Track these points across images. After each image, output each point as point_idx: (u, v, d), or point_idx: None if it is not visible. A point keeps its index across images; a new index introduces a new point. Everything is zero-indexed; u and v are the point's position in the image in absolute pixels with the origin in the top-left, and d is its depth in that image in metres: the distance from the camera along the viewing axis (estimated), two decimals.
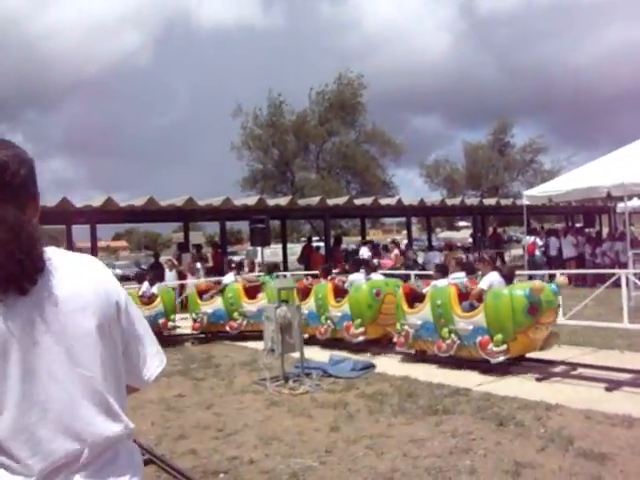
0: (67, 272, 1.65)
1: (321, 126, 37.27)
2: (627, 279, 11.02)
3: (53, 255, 1.65)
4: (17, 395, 1.51)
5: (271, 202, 23.13)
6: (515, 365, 8.97)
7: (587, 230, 25.31)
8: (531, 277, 18.34)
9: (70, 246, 24.19)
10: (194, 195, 20.27)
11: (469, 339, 8.74)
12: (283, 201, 23.36)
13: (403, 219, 37.26)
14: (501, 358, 8.38)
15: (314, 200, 23.74)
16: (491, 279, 8.95)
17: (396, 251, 21.40)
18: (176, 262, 19.63)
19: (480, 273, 9.92)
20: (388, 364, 9.74)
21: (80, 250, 30.83)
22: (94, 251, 19.96)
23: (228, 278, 13.88)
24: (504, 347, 8.35)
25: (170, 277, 18.67)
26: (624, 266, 15.88)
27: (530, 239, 21.62)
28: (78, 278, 1.66)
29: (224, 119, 44.92)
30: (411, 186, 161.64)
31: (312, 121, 37.68)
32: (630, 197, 18.15)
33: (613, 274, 11.55)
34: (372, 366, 9.48)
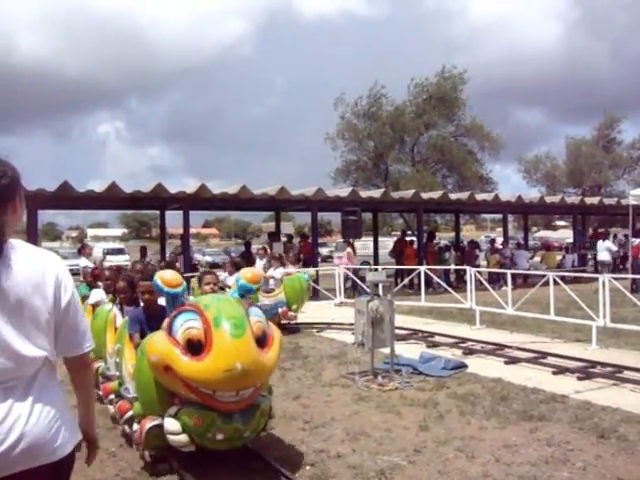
0: (24, 257, 2.31)
1: (418, 118, 36.72)
2: None
3: (18, 246, 2.32)
4: None
5: (364, 194, 22.97)
6: (618, 375, 8.54)
7: None
8: (635, 282, 17.62)
9: (162, 231, 24.87)
10: (286, 185, 20.39)
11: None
12: (376, 193, 23.14)
13: (499, 216, 36.44)
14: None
15: (408, 193, 23.43)
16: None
17: (349, 249, 19.85)
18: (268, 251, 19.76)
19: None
20: (480, 365, 9.45)
21: (172, 236, 31.49)
22: (186, 237, 20.36)
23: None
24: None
25: (260, 266, 18.80)
26: None
27: (636, 241, 20.60)
28: (33, 263, 2.31)
29: (321, 109, 45.04)
30: (508, 182, 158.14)
31: (409, 113, 37.18)
32: None
33: None
34: (464, 366, 9.22)
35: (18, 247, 2.32)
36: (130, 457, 5.74)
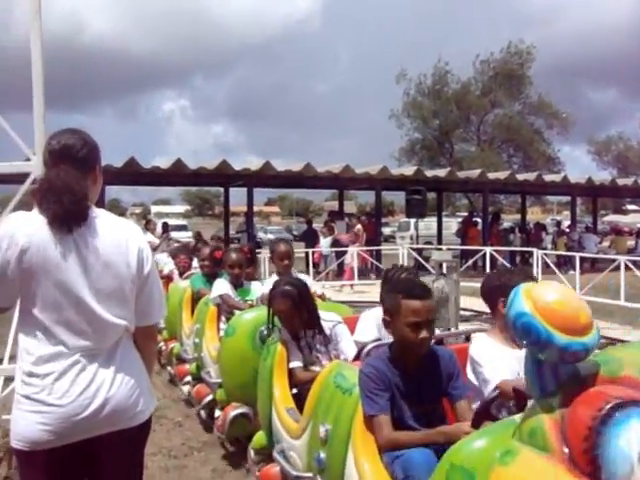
0: (108, 225, 2.35)
1: (484, 96, 35.97)
2: None
3: (101, 214, 2.37)
4: (59, 296, 2.23)
5: (429, 173, 22.64)
6: None
7: None
8: None
9: (226, 208, 25.09)
10: (351, 163, 20.25)
11: None
12: (441, 173, 22.80)
13: (566, 198, 35.50)
14: None
15: (474, 173, 22.98)
16: None
17: (358, 226, 19.03)
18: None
19: None
20: None
21: (234, 213, 31.70)
22: (250, 215, 20.47)
23: None
24: None
25: (325, 244, 18.79)
26: None
27: None
28: (116, 231, 2.36)
29: (386, 86, 44.53)
30: (577, 163, 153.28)
31: (475, 91, 36.44)
32: None
33: None
34: None
35: (101, 215, 2.38)
36: (196, 427, 5.81)
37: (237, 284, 5.79)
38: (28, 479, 2.35)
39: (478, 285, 12.49)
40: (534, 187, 24.87)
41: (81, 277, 2.24)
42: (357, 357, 3.63)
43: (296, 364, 4.01)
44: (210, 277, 6.64)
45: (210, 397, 5.33)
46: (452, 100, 35.93)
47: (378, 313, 3.69)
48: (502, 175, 23.45)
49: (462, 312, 11.17)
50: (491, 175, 23.11)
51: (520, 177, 23.84)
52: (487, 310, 10.78)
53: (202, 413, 5.65)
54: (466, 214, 28.49)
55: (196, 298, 6.57)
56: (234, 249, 5.98)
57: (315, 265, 18.62)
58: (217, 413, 5.12)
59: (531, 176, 23.88)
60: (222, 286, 5.72)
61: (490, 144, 36.75)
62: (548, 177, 24.81)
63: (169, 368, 7.38)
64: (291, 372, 4.01)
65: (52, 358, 2.23)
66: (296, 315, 4.07)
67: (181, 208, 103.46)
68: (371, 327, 4.13)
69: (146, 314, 2.47)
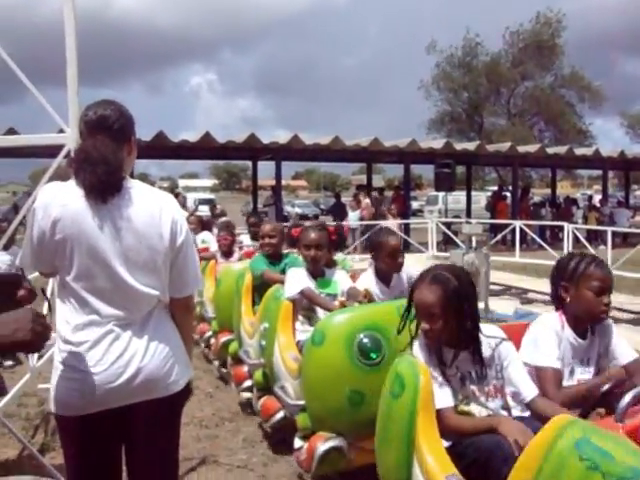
0: (142, 195, 2.36)
1: (514, 69, 35.37)
2: None
3: (136, 185, 2.38)
4: (92, 265, 2.27)
5: (458, 146, 22.41)
6: None
7: None
8: None
9: (255, 182, 25.11)
10: (379, 136, 20.12)
11: None
12: (471, 146, 22.54)
13: (597, 172, 34.97)
14: None
15: (504, 146, 22.72)
16: None
17: (367, 200, 19.16)
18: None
19: None
20: None
21: (262, 187, 31.69)
22: (278, 188, 20.47)
23: None
24: None
25: (353, 218, 18.76)
26: None
27: None
28: (150, 201, 2.36)
29: (415, 59, 44.07)
30: (610, 137, 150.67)
31: (505, 63, 35.85)
32: None
33: None
34: None
35: (136, 186, 2.39)
36: (227, 398, 5.87)
37: (316, 273, 4.68)
38: (65, 443, 2.42)
39: (507, 259, 12.55)
40: (565, 161, 24.57)
41: (114, 247, 2.27)
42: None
43: (445, 403, 2.71)
44: (274, 259, 5.61)
45: (281, 414, 4.36)
46: (482, 72, 35.41)
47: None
48: (532, 148, 23.18)
49: (492, 287, 11.13)
50: (521, 149, 22.84)
51: (550, 151, 23.53)
52: (517, 284, 10.70)
53: (269, 430, 4.76)
54: (495, 188, 28.23)
55: (257, 284, 5.45)
56: (314, 227, 4.81)
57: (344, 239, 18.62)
58: (298, 442, 4.01)
59: (562, 150, 23.56)
60: (300, 277, 4.60)
61: (520, 117, 36.17)
62: (579, 151, 24.44)
63: (217, 364, 6.54)
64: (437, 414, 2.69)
65: (86, 326, 2.28)
66: (452, 319, 2.76)
67: (209, 182, 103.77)
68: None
69: (181, 285, 2.47)
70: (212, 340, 6.64)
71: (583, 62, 36.06)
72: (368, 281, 4.61)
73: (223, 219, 11.71)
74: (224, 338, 6.03)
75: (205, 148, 19.20)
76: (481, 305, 8.71)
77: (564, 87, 36.30)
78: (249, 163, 25.41)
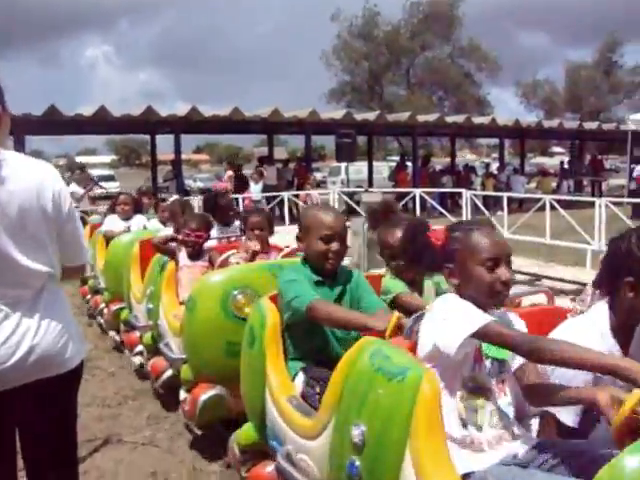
0: (21, 167, 2.20)
1: (414, 39, 35.83)
2: None
3: (9, 156, 2.18)
4: None
5: (359, 116, 22.51)
6: None
7: None
8: (635, 206, 17.41)
9: (153, 157, 24.44)
10: (281, 107, 19.92)
11: None
12: (371, 116, 22.71)
13: (495, 141, 36.00)
14: None
15: (403, 116, 22.99)
16: None
17: (230, 172, 19.43)
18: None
19: None
20: None
21: (162, 162, 31.10)
22: (178, 162, 19.98)
23: None
24: None
25: (256, 190, 18.49)
26: None
27: None
28: (30, 173, 2.21)
29: (318, 27, 43.91)
30: (506, 107, 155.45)
31: (405, 33, 36.23)
32: None
33: None
34: None
35: (12, 157, 2.23)
36: (129, 377, 5.77)
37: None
38: None
39: None
40: (463, 129, 25.10)
41: None
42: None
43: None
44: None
45: (169, 372, 4.58)
46: (382, 42, 35.66)
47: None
48: (431, 118, 23.56)
49: None
50: (420, 118, 23.13)
51: (449, 119, 23.98)
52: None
53: (160, 390, 4.92)
54: (396, 158, 28.57)
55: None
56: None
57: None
58: (182, 395, 4.20)
59: (460, 118, 24.05)
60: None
61: (420, 87, 36.78)
62: (477, 120, 25.00)
63: (113, 334, 6.56)
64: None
65: None
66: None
67: (107, 158, 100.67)
68: None
69: (73, 255, 2.43)
70: (105, 311, 6.80)
71: (480, 33, 36.87)
72: None
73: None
74: (115, 307, 6.29)
75: (101, 122, 18.58)
76: (382, 271, 8.74)
77: (462, 57, 37.06)
78: (148, 137, 24.70)
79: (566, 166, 28.60)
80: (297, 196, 16.78)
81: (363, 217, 8.79)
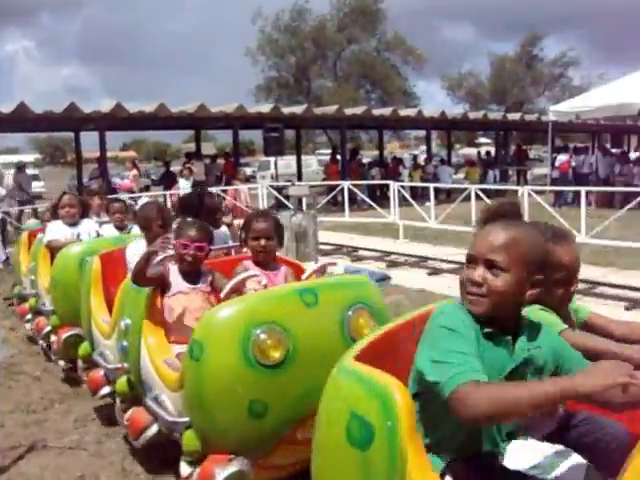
0: None
1: (340, 32, 36.02)
2: None
3: None
4: None
5: (286, 110, 22.48)
6: None
7: (614, 150, 24.38)
8: (557, 194, 18.02)
9: (78, 155, 23.81)
10: (208, 103, 19.78)
11: None
12: (298, 109, 22.73)
13: (423, 133, 36.51)
14: None
15: (331, 109, 23.10)
16: None
17: (134, 171, 19.72)
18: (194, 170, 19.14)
19: None
20: (404, 277, 9.45)
21: (88, 160, 30.41)
22: (103, 160, 19.55)
23: None
24: None
25: (186, 186, 18.24)
26: None
27: (564, 157, 20.97)
28: None
29: (244, 23, 43.59)
30: (433, 99, 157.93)
31: (332, 27, 36.40)
32: None
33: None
34: (387, 278, 9.18)
35: None
36: (55, 380, 5.62)
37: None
38: None
39: (338, 219, 12.77)
40: (390, 122, 25.35)
41: None
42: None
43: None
44: None
45: (154, 428, 3.77)
46: (308, 36, 35.73)
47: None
48: (359, 110, 23.71)
49: (323, 246, 11.28)
50: (348, 111, 23.26)
51: (376, 112, 24.19)
52: (348, 243, 10.74)
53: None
54: (326, 151, 28.72)
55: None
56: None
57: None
58: (185, 469, 3.54)
59: (387, 111, 24.29)
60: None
61: (347, 80, 36.99)
62: (403, 112, 25.29)
63: (63, 364, 5.65)
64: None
65: None
66: None
67: (30, 157, 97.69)
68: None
69: None
70: (52, 337, 5.62)
71: (407, 27, 37.74)
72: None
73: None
74: (67, 334, 5.18)
75: (21, 120, 17.95)
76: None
77: (388, 51, 37.45)
78: (72, 134, 24.04)
79: (484, 157, 29.27)
80: (225, 191, 16.63)
81: (291, 210, 8.81)
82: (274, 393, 2.88)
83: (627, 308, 7.41)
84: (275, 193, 17.43)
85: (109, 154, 21.04)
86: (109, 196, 12.19)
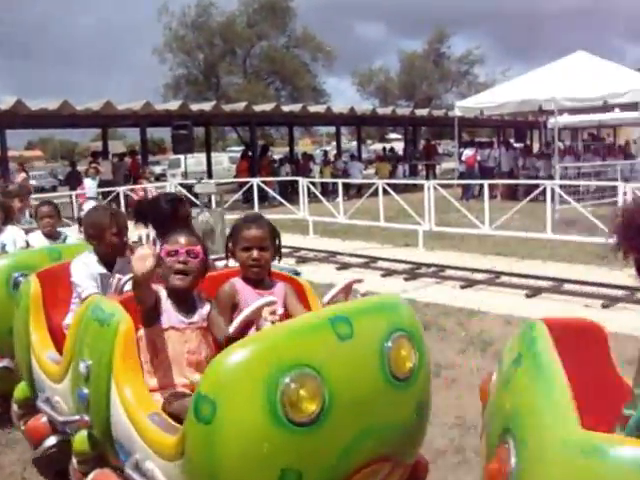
0: None
1: (250, 29, 35.84)
2: (552, 191, 11.09)
3: None
4: None
5: (194, 107, 22.26)
6: (440, 274, 9.04)
7: (517, 145, 25.23)
8: (464, 188, 18.50)
9: None
10: (113, 100, 19.32)
11: None
12: (207, 106, 22.53)
13: (334, 129, 36.78)
14: None
15: (240, 105, 23.01)
16: None
17: (23, 174, 19.07)
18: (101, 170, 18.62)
19: None
20: (313, 272, 9.49)
21: None
22: (4, 159, 18.77)
23: None
24: None
25: (92, 186, 17.74)
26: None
27: (470, 152, 21.53)
28: None
29: (151, 19, 42.77)
30: (344, 96, 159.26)
31: (241, 23, 36.17)
32: (561, 112, 18.14)
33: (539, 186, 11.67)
34: (297, 273, 9.15)
35: None
36: None
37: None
38: None
39: None
40: (300, 118, 25.48)
41: None
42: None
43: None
44: None
45: None
46: (216, 32, 35.38)
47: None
48: (268, 107, 23.72)
49: None
50: (257, 107, 23.25)
51: (285, 108, 24.27)
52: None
53: None
54: (236, 148, 28.55)
55: None
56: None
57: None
58: None
59: (296, 107, 24.39)
60: None
61: (257, 77, 36.87)
62: (313, 108, 25.46)
63: None
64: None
65: None
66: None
67: None
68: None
69: None
70: None
71: (317, 25, 37.88)
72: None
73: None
74: None
75: None
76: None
77: (298, 47, 37.54)
78: None
79: (389, 153, 29.70)
80: (133, 190, 16.29)
81: (198, 208, 8.73)
82: (309, 457, 2.23)
83: (528, 296, 7.68)
84: (184, 191, 17.18)
85: (13, 153, 20.24)
86: (33, 196, 10.74)
